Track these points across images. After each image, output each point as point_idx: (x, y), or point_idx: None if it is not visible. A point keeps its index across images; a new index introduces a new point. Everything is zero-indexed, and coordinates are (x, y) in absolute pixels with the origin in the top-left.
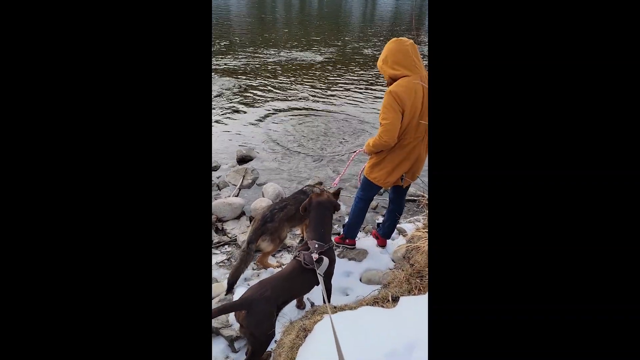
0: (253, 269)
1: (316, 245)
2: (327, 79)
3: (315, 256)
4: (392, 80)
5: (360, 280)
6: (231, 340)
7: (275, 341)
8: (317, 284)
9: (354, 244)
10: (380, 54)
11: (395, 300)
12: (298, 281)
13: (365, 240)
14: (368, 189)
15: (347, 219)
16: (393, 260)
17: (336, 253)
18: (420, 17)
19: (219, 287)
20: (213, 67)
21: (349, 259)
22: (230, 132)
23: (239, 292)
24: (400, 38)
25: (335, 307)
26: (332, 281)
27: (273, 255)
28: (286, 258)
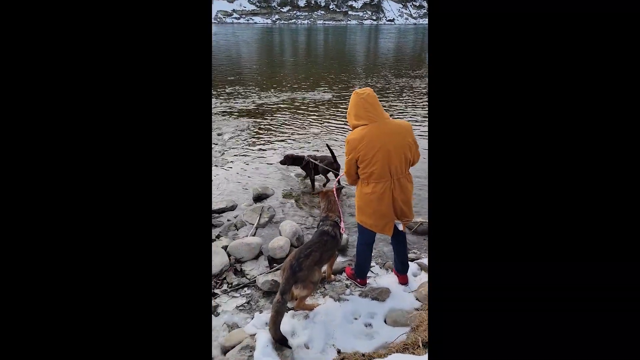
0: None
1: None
2: (338, 115)
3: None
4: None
5: (385, 322)
6: None
7: None
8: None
9: (365, 284)
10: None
11: (426, 345)
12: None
13: (386, 278)
14: (361, 232)
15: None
16: (418, 299)
17: (357, 293)
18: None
19: (240, 333)
20: (227, 109)
21: (372, 299)
22: (245, 171)
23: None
24: (359, 90)
25: (363, 355)
26: (355, 325)
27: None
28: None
